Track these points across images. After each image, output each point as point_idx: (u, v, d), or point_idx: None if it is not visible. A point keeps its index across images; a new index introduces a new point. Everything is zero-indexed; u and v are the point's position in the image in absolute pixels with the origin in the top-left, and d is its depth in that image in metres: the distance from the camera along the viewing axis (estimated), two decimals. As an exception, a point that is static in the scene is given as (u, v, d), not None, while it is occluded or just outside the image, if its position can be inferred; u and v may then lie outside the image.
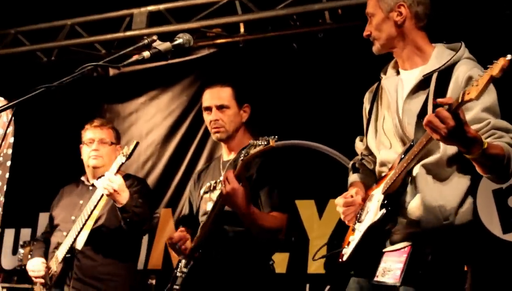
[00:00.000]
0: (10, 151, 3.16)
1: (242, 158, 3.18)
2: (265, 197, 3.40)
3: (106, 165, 3.95)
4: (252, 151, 3.14)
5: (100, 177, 3.80)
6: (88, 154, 4.01)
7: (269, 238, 3.42)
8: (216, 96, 3.48)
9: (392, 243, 2.61)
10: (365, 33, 2.74)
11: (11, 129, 3.14)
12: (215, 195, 3.47)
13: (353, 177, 2.98)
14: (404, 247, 2.58)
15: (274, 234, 3.38)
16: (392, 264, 2.57)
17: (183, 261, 3.49)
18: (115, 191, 3.64)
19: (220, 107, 3.44)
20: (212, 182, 3.56)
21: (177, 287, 3.43)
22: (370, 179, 2.91)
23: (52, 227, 4.15)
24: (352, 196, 2.78)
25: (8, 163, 3.17)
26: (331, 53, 4.97)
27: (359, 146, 3.07)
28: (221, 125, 3.46)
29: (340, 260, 2.76)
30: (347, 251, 2.73)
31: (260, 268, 3.41)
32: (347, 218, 2.78)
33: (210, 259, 3.37)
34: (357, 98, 3.05)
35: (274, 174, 3.46)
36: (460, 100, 2.16)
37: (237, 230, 3.35)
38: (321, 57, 5.00)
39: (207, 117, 3.50)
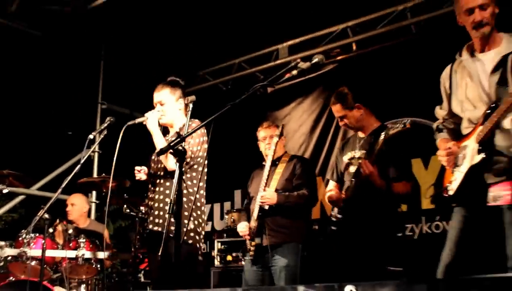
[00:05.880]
0: (205, 154, 3.68)
1: (383, 137, 3.43)
2: (394, 168, 3.65)
3: (277, 152, 4.51)
4: (391, 132, 3.40)
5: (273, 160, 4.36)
6: (264, 147, 4.55)
7: (400, 201, 3.76)
8: (335, 110, 3.94)
9: (496, 176, 2.77)
10: (479, 18, 2.87)
11: (205, 138, 3.66)
12: (356, 161, 3.80)
13: (440, 135, 3.15)
14: (506, 179, 2.74)
15: (403, 198, 3.72)
16: (499, 192, 2.73)
17: (336, 209, 3.83)
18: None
19: (341, 118, 3.93)
20: (353, 152, 3.90)
21: (334, 228, 3.81)
22: (453, 136, 3.08)
23: (250, 199, 4.64)
24: (450, 148, 2.93)
25: (205, 162, 3.72)
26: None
27: (439, 112, 3.19)
28: (347, 123, 3.92)
29: (446, 195, 2.91)
30: (452, 187, 2.88)
31: (391, 212, 3.73)
32: (449, 164, 2.93)
33: (356, 208, 3.69)
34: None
35: (401, 149, 3.67)
36: None
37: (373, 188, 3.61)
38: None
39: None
